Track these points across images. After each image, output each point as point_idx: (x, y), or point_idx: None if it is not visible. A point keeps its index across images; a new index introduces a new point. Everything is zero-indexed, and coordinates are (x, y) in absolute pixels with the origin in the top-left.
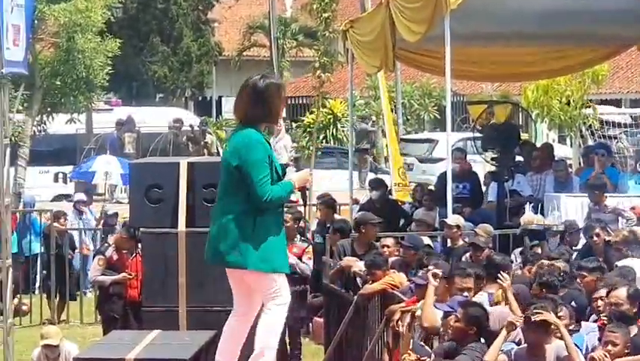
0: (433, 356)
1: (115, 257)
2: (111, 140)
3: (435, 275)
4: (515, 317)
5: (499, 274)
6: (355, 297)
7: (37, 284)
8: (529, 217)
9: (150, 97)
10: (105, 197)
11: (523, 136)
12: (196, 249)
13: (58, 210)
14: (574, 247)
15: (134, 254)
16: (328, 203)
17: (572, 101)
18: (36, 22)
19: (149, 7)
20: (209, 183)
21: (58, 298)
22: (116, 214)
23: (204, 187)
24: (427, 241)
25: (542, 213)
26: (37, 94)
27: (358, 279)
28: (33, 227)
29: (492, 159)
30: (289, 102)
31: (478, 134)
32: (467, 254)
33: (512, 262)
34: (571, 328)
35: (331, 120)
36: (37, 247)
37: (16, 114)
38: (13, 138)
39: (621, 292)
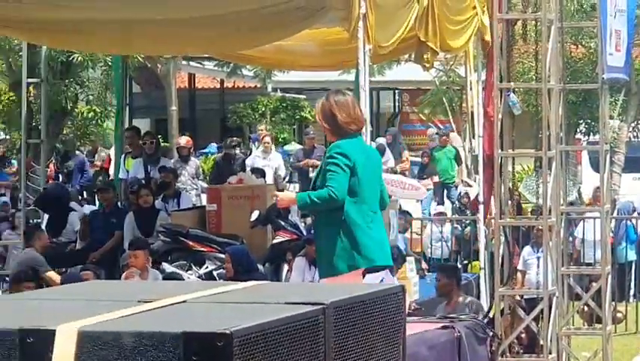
0: None
1: None
2: None
3: None
4: None
5: None
6: None
7: (632, 292)
8: None
9: None
10: None
11: None
12: None
13: None
14: None
15: None
16: None
17: None
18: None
19: None
20: None
21: None
22: None
23: None
24: None
25: None
26: (633, 100)
27: None
28: (628, 234)
29: None
30: None
31: None
32: None
33: None
34: None
35: None
36: (632, 255)
37: (612, 120)
38: (609, 144)
39: None
